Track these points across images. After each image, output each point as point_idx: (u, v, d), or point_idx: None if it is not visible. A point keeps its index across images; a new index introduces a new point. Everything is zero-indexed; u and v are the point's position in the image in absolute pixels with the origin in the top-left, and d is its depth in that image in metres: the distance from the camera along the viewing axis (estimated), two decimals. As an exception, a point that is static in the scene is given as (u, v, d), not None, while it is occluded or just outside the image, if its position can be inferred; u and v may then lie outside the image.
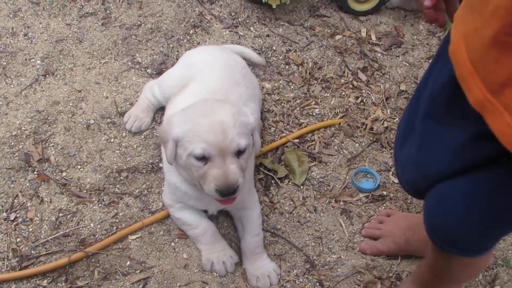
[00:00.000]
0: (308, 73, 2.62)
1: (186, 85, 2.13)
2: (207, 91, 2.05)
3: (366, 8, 2.93)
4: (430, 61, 2.76)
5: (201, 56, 2.24)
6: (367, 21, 2.92)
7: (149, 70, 2.46)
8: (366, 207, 2.25)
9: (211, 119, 1.77)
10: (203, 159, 1.76)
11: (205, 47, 2.41)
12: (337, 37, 2.81)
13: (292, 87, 2.56)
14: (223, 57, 2.24)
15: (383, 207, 2.25)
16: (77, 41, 2.50)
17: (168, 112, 2.14)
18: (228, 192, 1.77)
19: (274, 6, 2.76)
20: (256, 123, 1.87)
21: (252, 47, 2.64)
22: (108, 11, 2.63)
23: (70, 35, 2.52)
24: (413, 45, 2.86)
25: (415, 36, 2.91)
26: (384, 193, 2.29)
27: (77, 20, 2.58)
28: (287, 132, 2.40)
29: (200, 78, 2.12)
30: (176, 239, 2.06)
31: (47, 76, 2.38)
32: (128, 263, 1.99)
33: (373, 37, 2.84)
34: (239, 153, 1.79)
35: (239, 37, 2.68)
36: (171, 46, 2.56)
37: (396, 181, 2.31)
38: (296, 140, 2.38)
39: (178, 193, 2.01)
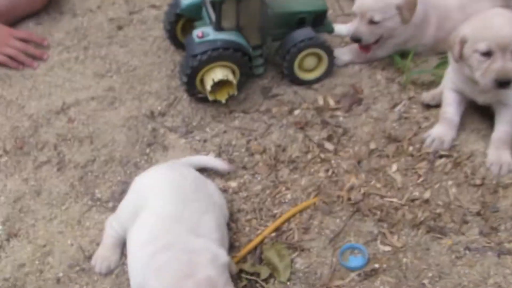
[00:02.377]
0: (272, 158, 2.53)
1: (138, 215, 2.06)
2: (159, 219, 1.99)
3: (316, 75, 2.86)
4: (395, 110, 2.66)
5: (147, 181, 2.18)
6: (322, 87, 2.84)
7: (110, 204, 2.40)
8: (361, 286, 2.10)
9: (195, 279, 1.73)
10: None
11: (152, 169, 2.33)
12: (296, 112, 2.73)
13: (258, 178, 2.47)
14: (170, 176, 2.17)
15: (378, 282, 2.10)
16: (35, 195, 2.46)
17: (129, 247, 2.06)
18: None
19: (223, 101, 2.71)
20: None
21: (213, 150, 2.58)
22: (61, 155, 2.60)
23: (27, 191, 2.48)
24: (374, 98, 2.76)
25: (374, 89, 2.81)
26: (376, 265, 2.14)
27: (33, 173, 2.55)
28: (262, 228, 2.28)
29: (150, 205, 2.05)
30: None
31: (10, 239, 2.32)
32: None
33: (331, 103, 2.75)
34: None
35: (197, 142, 2.62)
36: (129, 172, 2.51)
37: (386, 248, 2.17)
38: (273, 234, 2.26)
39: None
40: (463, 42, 2.34)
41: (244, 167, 2.51)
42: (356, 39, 2.85)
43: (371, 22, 2.80)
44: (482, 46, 2.25)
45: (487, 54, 2.26)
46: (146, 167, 2.52)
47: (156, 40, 3.19)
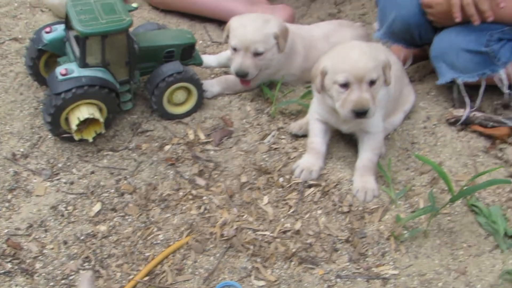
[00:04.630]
0: (143, 198, 2.47)
1: None
2: None
3: (186, 109, 2.84)
4: (264, 141, 2.69)
5: None
6: (192, 121, 2.83)
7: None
8: (237, 324, 2.09)
9: None
10: None
11: None
12: (166, 147, 2.69)
13: (129, 220, 2.40)
14: None
15: (253, 319, 2.11)
16: None
17: None
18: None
19: (91, 140, 2.62)
20: None
21: (81, 192, 2.48)
22: None
23: None
24: (244, 130, 2.79)
25: (244, 120, 2.84)
26: (250, 302, 2.15)
27: None
28: (134, 273, 2.21)
29: None
30: None
31: None
32: None
33: (202, 136, 2.74)
34: None
35: (64, 184, 2.51)
36: (-11, 222, 2.36)
37: (260, 283, 2.18)
38: (146, 278, 2.20)
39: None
40: (323, 73, 2.41)
41: (114, 209, 2.43)
42: (243, 74, 2.85)
43: (256, 54, 2.83)
44: (341, 78, 2.33)
45: (345, 85, 2.34)
46: (7, 215, 2.38)
47: (18, 76, 3.03)
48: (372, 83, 2.35)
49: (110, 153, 2.67)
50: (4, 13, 3.47)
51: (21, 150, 2.64)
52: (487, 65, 2.68)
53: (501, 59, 2.66)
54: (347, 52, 2.41)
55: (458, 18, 2.57)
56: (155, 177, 2.57)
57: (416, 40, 2.95)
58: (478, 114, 2.73)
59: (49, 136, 2.70)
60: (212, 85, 2.97)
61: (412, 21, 2.86)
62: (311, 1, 3.98)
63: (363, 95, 2.33)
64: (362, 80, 2.32)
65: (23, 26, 3.37)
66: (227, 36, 2.90)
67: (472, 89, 2.77)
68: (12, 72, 3.05)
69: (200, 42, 3.43)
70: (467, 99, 2.75)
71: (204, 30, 3.53)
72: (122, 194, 2.49)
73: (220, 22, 3.60)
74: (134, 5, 2.69)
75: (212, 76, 3.16)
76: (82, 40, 2.51)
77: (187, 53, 2.89)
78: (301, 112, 2.87)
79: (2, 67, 3.10)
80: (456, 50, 2.69)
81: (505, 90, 2.73)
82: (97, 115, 2.57)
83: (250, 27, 2.82)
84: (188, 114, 2.85)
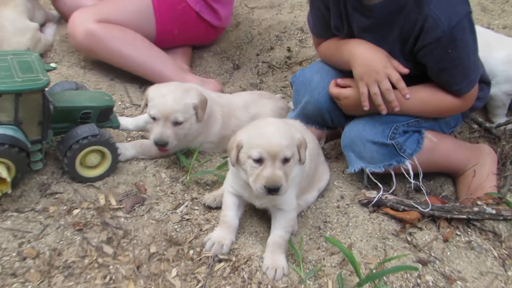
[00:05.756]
0: (46, 264, 2.37)
1: None
2: None
3: (99, 172, 2.78)
4: (177, 211, 2.67)
5: None
6: (104, 185, 2.77)
7: None
8: None
9: None
10: None
11: None
12: (75, 212, 2.61)
13: (29, 287, 2.28)
14: None
15: None
16: None
17: None
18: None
19: (-5, 199, 2.52)
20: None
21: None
22: None
23: None
24: (157, 198, 2.75)
25: (158, 188, 2.81)
26: None
27: None
28: None
29: None
30: None
31: None
32: None
33: (113, 202, 2.68)
34: None
35: (-39, 245, 2.38)
36: None
37: None
38: None
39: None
40: (239, 147, 2.43)
41: (14, 274, 2.32)
42: (163, 143, 2.84)
43: (175, 123, 2.83)
44: (255, 153, 2.36)
45: (259, 161, 2.37)
46: None
47: None
48: (286, 160, 2.39)
49: (15, 214, 2.56)
50: None
51: None
52: (393, 156, 2.79)
53: (406, 151, 2.78)
54: (263, 128, 2.45)
55: (366, 107, 2.69)
56: (61, 242, 2.47)
57: (328, 123, 3.06)
58: (390, 197, 2.81)
59: (-50, 193, 2.57)
60: (126, 148, 2.93)
61: (324, 106, 2.97)
62: (234, 69, 4.05)
63: (275, 172, 2.36)
64: (276, 157, 2.36)
65: None
66: (146, 105, 2.90)
67: (385, 173, 2.86)
68: None
69: (119, 103, 3.40)
70: (378, 184, 2.84)
71: (124, 91, 3.51)
72: (24, 259, 2.38)
73: (141, 83, 3.59)
74: (53, 65, 2.66)
75: (129, 139, 3.13)
76: (-6, 97, 2.44)
77: (104, 115, 2.85)
78: (217, 183, 2.87)
79: None
80: (363, 141, 2.80)
81: (411, 180, 2.84)
82: (4, 174, 2.47)
83: (170, 97, 2.83)
84: (100, 178, 2.79)
